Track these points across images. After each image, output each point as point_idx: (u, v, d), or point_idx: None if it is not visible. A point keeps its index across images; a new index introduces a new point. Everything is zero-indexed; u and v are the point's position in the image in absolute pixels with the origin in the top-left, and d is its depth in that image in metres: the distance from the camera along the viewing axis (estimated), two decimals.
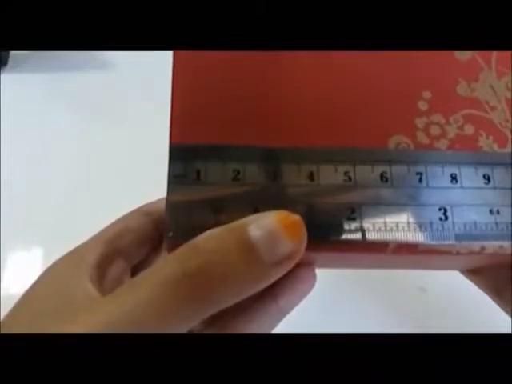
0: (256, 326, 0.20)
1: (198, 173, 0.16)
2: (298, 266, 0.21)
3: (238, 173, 0.16)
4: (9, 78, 0.44)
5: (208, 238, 0.15)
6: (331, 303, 0.36)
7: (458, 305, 0.36)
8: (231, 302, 0.15)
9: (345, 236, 0.17)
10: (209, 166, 0.16)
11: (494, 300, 0.23)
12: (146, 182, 0.28)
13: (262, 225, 0.15)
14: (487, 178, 0.18)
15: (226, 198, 0.16)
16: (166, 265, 0.15)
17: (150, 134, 0.32)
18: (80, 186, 0.41)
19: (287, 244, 0.15)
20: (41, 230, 0.38)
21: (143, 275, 0.15)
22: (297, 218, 0.15)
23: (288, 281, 0.20)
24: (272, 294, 0.20)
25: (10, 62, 0.45)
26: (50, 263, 0.19)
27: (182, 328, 0.15)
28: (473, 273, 0.24)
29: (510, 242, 0.17)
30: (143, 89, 0.44)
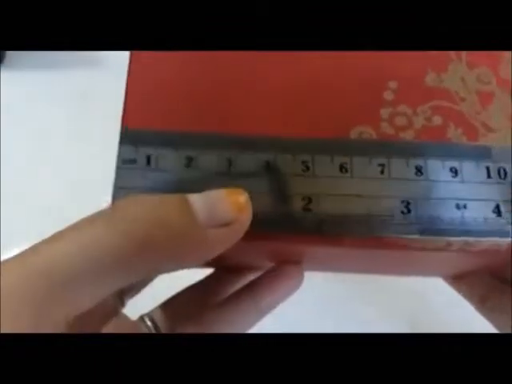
0: (234, 322, 0.19)
1: (149, 158, 0.16)
2: (283, 263, 0.20)
3: (191, 160, 0.16)
4: (6, 75, 0.44)
5: (144, 198, 0.14)
6: (332, 304, 0.35)
7: (459, 306, 0.35)
8: (169, 265, 0.15)
9: (301, 227, 0.16)
10: (160, 152, 0.16)
11: (476, 308, 0.22)
12: None
13: (204, 192, 0.14)
14: (454, 171, 0.17)
15: (178, 186, 0.16)
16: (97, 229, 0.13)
17: None
18: (78, 184, 0.41)
19: (226, 209, 0.14)
20: (38, 230, 0.38)
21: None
22: (242, 190, 0.15)
23: (271, 277, 0.20)
24: (252, 290, 0.20)
25: (7, 59, 0.45)
26: None
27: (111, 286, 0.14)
28: (456, 281, 0.23)
29: (476, 238, 0.16)
30: None
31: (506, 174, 0.17)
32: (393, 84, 0.18)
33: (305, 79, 0.17)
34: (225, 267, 0.22)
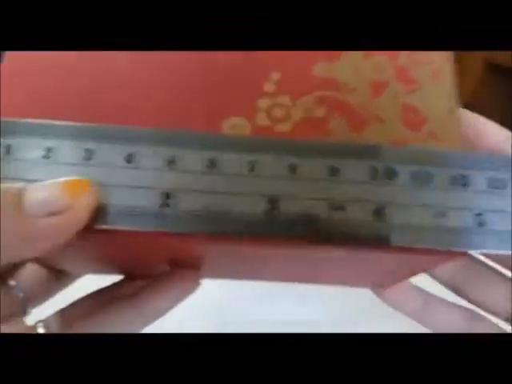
0: (113, 327, 0.18)
1: (8, 148, 0.16)
2: (179, 267, 0.19)
3: (50, 150, 0.16)
4: None
5: None
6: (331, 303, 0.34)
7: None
8: None
9: (160, 224, 0.15)
10: (18, 142, 0.16)
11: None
12: None
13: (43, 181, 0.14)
14: (334, 171, 0.15)
15: (36, 177, 0.15)
16: None
17: None
18: None
19: (59, 197, 0.14)
20: None
21: None
22: (86, 180, 0.14)
23: (159, 282, 0.19)
24: (136, 295, 0.19)
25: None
26: None
27: None
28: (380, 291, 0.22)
29: (356, 244, 0.15)
30: None
31: (396, 174, 0.15)
32: (275, 75, 0.16)
33: (178, 70, 0.17)
34: (131, 275, 0.21)
